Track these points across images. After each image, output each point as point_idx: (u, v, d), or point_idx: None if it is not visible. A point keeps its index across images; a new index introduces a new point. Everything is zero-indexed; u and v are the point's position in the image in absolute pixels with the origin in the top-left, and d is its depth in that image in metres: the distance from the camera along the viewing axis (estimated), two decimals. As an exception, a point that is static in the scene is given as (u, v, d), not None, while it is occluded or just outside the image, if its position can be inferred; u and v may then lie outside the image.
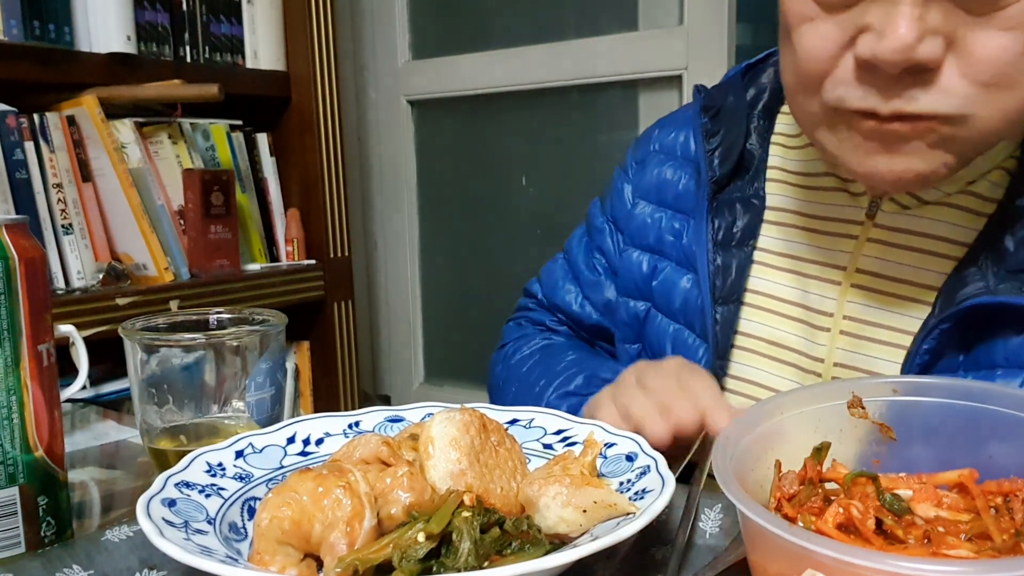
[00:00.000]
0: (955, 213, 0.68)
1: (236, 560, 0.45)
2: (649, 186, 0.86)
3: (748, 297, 0.76)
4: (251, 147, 1.94)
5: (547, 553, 0.45)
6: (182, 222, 1.74)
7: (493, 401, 0.94)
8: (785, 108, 0.81)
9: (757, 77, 0.83)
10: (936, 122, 0.58)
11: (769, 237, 0.77)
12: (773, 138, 0.81)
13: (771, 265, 0.76)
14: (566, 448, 0.57)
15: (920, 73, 0.56)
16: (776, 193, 0.78)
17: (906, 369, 0.66)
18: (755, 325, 0.76)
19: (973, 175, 0.68)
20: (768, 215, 0.78)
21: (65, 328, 0.69)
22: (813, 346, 0.72)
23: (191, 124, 1.81)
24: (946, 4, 0.55)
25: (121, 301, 1.57)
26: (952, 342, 0.64)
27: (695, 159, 0.82)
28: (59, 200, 1.58)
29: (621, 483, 0.52)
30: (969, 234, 0.67)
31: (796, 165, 0.78)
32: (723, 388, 0.76)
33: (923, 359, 0.64)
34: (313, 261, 1.99)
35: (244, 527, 0.51)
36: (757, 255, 0.77)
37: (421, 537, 0.45)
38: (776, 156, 0.80)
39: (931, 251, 0.68)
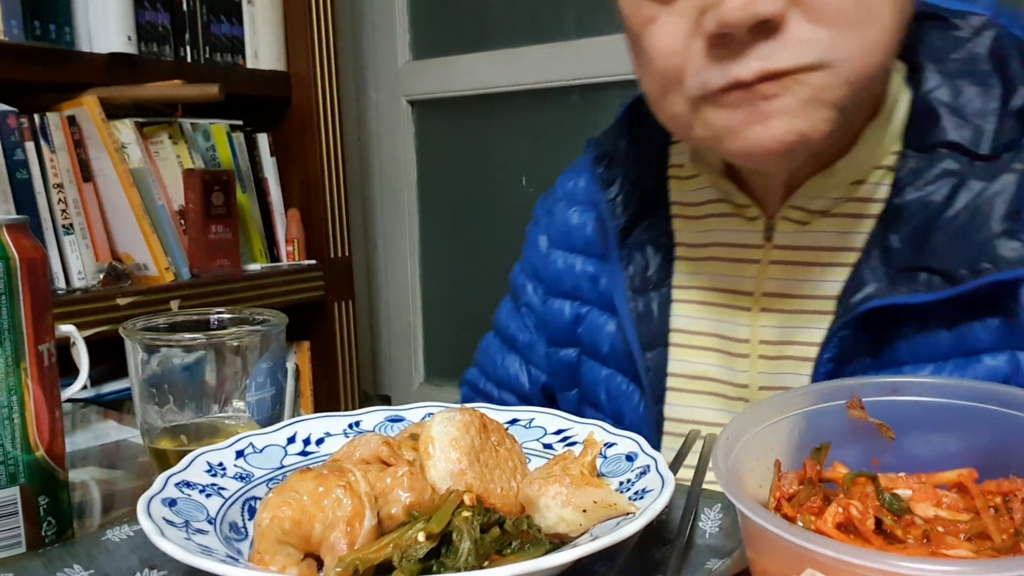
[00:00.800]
0: (845, 221, 0.68)
1: (236, 560, 0.45)
2: (559, 233, 0.86)
3: (673, 337, 0.76)
4: (251, 147, 1.94)
5: (547, 553, 0.45)
6: (182, 222, 1.74)
7: None
8: (676, 140, 0.81)
9: (647, 114, 0.82)
10: (801, 74, 0.58)
11: (682, 273, 0.77)
12: (669, 171, 0.80)
13: (687, 300, 0.76)
14: (566, 448, 0.58)
15: (770, 32, 0.57)
16: (681, 228, 0.78)
17: (814, 380, 0.66)
18: (680, 364, 0.75)
19: (857, 174, 0.68)
20: (678, 251, 0.77)
21: (66, 328, 0.69)
22: (735, 374, 0.73)
23: (191, 124, 1.81)
24: None
25: (122, 301, 1.57)
26: (858, 347, 0.64)
27: (596, 203, 0.81)
28: (60, 200, 1.58)
29: (621, 483, 0.52)
30: (860, 238, 0.67)
31: (691, 196, 0.78)
32: (661, 431, 0.76)
33: (827, 367, 0.64)
34: (313, 261, 2.00)
35: (244, 527, 0.51)
36: (675, 293, 0.76)
37: (421, 537, 0.45)
38: (674, 191, 0.80)
39: (829, 262, 0.68)
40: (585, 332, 0.82)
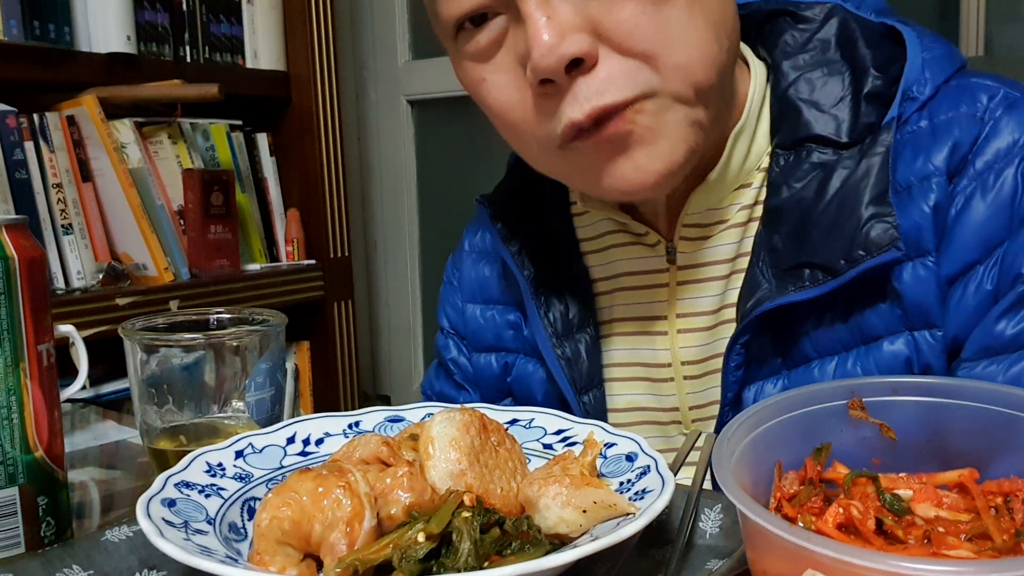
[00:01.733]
0: (739, 228, 0.69)
1: (236, 560, 0.45)
2: (472, 287, 0.85)
3: (608, 372, 0.75)
4: (251, 147, 1.94)
5: (547, 553, 0.45)
6: (182, 222, 1.74)
7: None
8: None
9: None
10: (636, 104, 0.59)
11: (604, 308, 0.76)
12: (572, 208, 0.79)
13: (612, 334, 0.75)
14: (566, 448, 0.57)
15: (587, 71, 0.58)
16: (594, 264, 0.77)
17: (725, 390, 0.66)
18: (616, 398, 0.75)
19: (738, 179, 0.68)
20: (597, 287, 0.77)
21: (65, 328, 0.69)
22: (663, 399, 0.73)
23: (191, 124, 1.81)
24: (571, 5, 0.57)
25: (121, 301, 1.57)
26: (764, 351, 0.65)
27: (502, 256, 0.80)
28: (59, 200, 1.58)
29: (621, 483, 0.52)
30: (750, 243, 0.68)
31: (592, 230, 0.77)
32: None
33: (736, 375, 0.65)
34: (313, 261, 2.00)
35: (244, 527, 0.51)
36: (602, 329, 0.76)
37: (421, 537, 0.45)
38: (578, 228, 0.79)
39: (731, 272, 0.69)
40: (515, 382, 0.81)
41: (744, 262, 0.68)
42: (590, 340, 0.75)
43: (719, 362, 0.68)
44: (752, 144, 0.68)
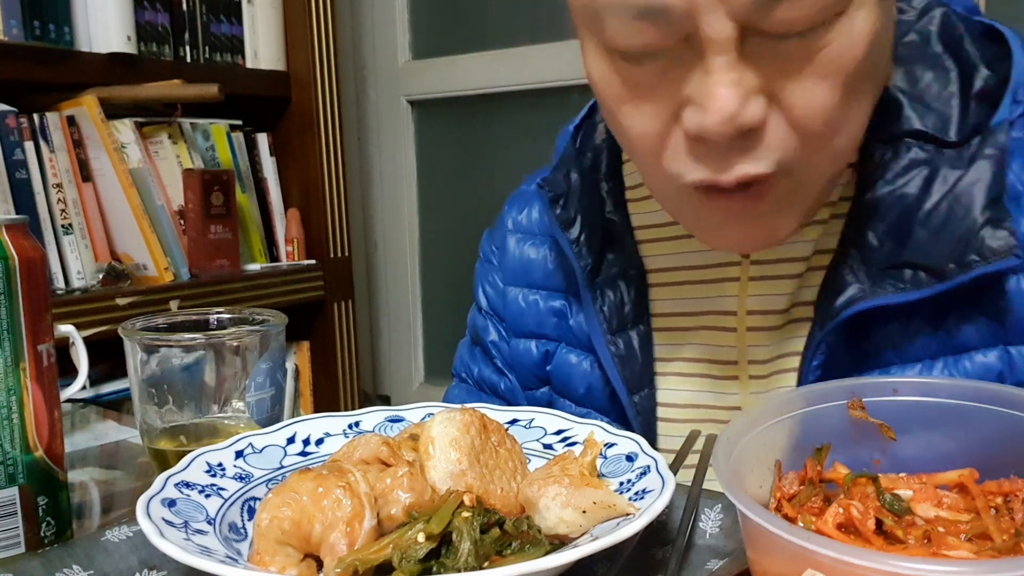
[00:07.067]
0: (823, 225, 0.66)
1: (236, 560, 0.45)
2: (515, 269, 0.81)
3: (658, 367, 0.72)
4: (251, 147, 1.94)
5: (547, 553, 0.45)
6: (182, 222, 1.74)
7: None
8: (627, 160, 0.77)
9: (589, 138, 0.79)
10: (776, 177, 0.56)
11: (660, 300, 0.73)
12: (627, 194, 0.76)
13: (669, 328, 0.72)
14: (566, 448, 0.57)
15: (751, 134, 0.54)
16: (652, 254, 0.74)
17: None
18: (669, 393, 0.72)
19: None
20: (652, 278, 0.73)
21: (65, 328, 0.69)
22: (724, 397, 0.70)
23: (191, 124, 1.81)
24: (760, 61, 0.53)
25: (121, 301, 1.57)
26: (842, 352, 0.62)
27: (551, 232, 0.77)
28: (59, 200, 1.58)
29: (621, 483, 0.52)
30: (831, 240, 0.65)
31: (655, 218, 0.74)
32: None
33: (815, 375, 0.62)
34: (313, 261, 2.00)
35: (244, 527, 0.51)
36: (655, 322, 0.73)
37: (421, 537, 0.45)
38: (636, 215, 0.75)
39: (812, 268, 0.66)
40: (555, 370, 0.78)
41: (818, 259, 0.65)
42: (643, 335, 0.72)
43: (786, 362, 0.66)
44: None
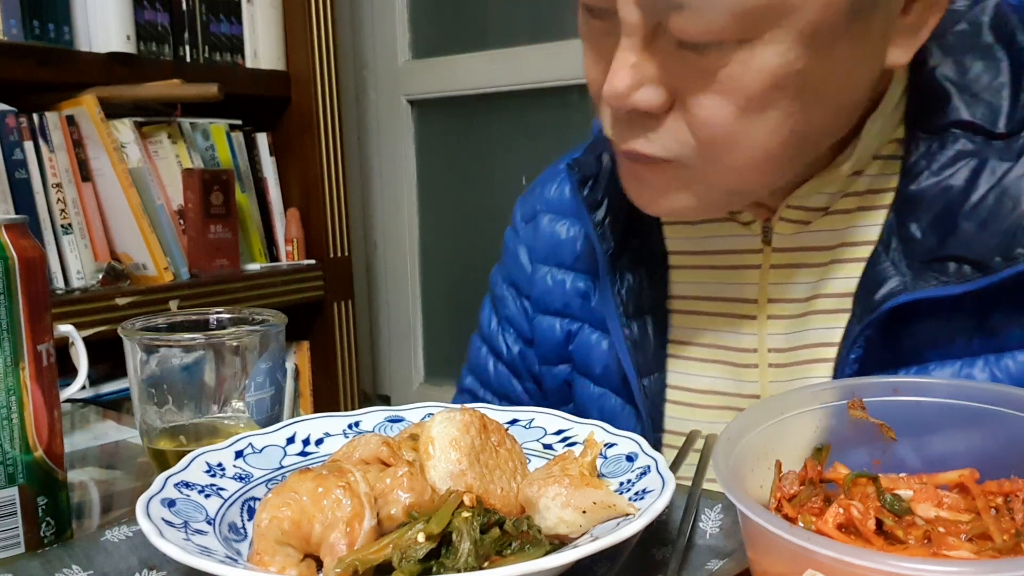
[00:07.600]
0: (850, 215, 0.65)
1: (236, 560, 0.45)
2: (545, 247, 0.82)
3: (672, 349, 0.73)
4: (251, 147, 1.94)
5: (547, 554, 0.45)
6: (182, 222, 1.74)
7: None
8: None
9: None
10: (668, 165, 0.58)
11: (679, 283, 0.74)
12: None
13: (686, 311, 0.73)
14: (566, 448, 0.57)
15: (651, 117, 0.57)
16: (673, 237, 0.75)
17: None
18: (682, 376, 0.73)
19: (856, 166, 0.65)
20: (673, 260, 0.74)
21: (65, 328, 0.69)
22: (743, 385, 0.70)
23: (191, 124, 1.81)
24: (667, 58, 0.55)
25: (121, 301, 1.57)
26: (877, 345, 0.61)
27: (584, 225, 0.78)
28: (59, 200, 1.58)
29: (621, 483, 0.52)
30: (869, 231, 0.64)
31: None
32: (660, 444, 0.73)
33: (853, 368, 0.61)
34: (313, 261, 1.99)
35: (244, 527, 0.51)
36: (673, 304, 0.73)
37: (421, 537, 0.45)
38: None
39: (834, 259, 0.66)
40: (577, 350, 0.79)
41: (853, 250, 0.65)
42: (659, 320, 0.73)
43: (807, 353, 0.66)
44: (884, 128, 0.64)
